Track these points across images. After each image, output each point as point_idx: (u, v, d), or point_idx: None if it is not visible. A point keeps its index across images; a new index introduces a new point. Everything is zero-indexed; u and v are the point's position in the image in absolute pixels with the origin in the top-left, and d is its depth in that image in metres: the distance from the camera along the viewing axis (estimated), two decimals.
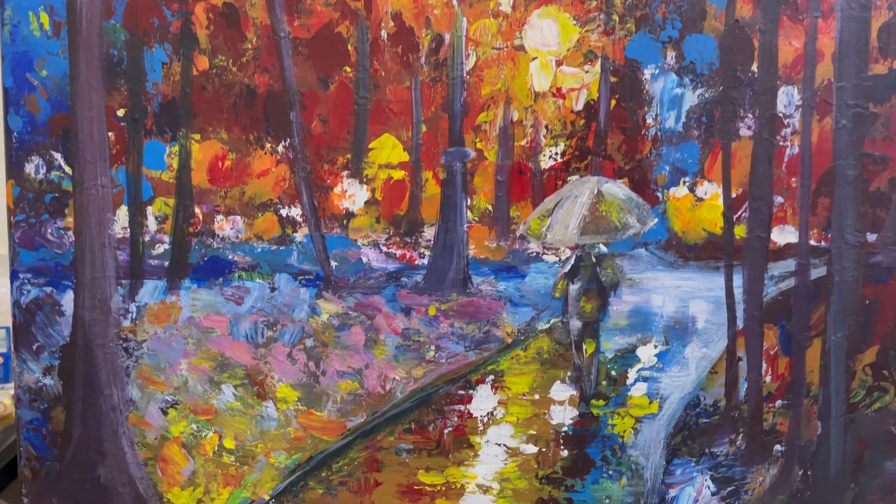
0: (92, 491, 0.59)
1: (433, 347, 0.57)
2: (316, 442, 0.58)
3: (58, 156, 0.56)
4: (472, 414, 0.58)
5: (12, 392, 1.25)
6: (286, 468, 0.59)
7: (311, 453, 0.59)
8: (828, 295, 0.55)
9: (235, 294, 0.57)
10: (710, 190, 0.55)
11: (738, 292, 0.56)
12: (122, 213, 0.56)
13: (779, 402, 0.56)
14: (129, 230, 0.57)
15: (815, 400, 0.56)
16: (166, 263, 0.57)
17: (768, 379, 0.56)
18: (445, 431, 0.58)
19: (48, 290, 0.57)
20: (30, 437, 0.58)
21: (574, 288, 0.56)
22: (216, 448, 0.59)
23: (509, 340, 0.57)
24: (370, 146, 0.55)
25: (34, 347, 0.58)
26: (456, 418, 0.58)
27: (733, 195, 0.55)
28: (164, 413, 0.58)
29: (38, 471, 0.59)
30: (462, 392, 0.58)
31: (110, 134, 0.56)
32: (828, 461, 0.56)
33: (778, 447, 0.57)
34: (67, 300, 0.57)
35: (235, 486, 0.59)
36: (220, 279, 0.57)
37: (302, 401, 0.58)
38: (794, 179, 0.54)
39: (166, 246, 0.57)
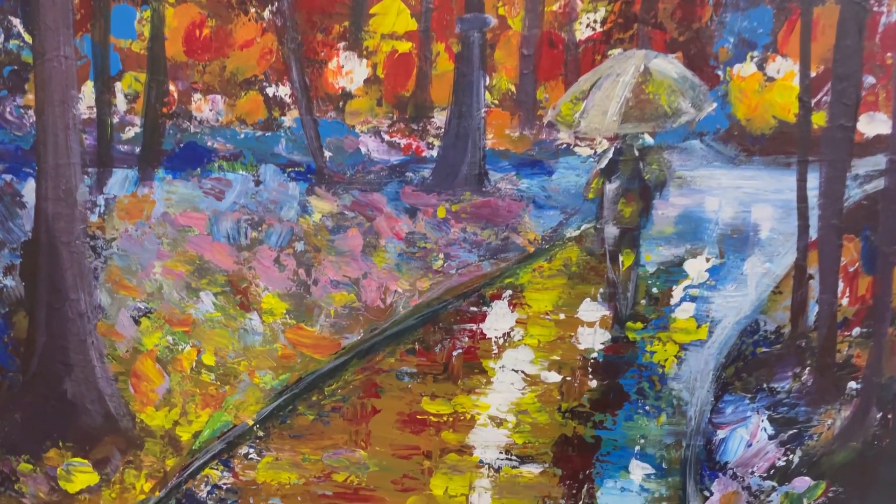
0: (58, 407, 0.53)
1: (442, 256, 0.49)
2: (306, 361, 0.51)
3: (16, 21, 0.49)
4: (485, 335, 0.50)
5: None
6: (272, 390, 0.51)
7: (301, 374, 0.51)
8: None
9: (215, 187, 0.50)
10: (784, 67, 0.45)
11: (813, 195, 0.46)
12: (88, 90, 0.49)
13: (856, 331, 0.47)
14: (95, 110, 0.49)
15: None
16: (137, 150, 0.50)
17: (845, 302, 0.46)
18: (454, 354, 0.50)
19: (7, 177, 0.50)
20: None
21: (611, 188, 0.47)
22: (194, 364, 0.52)
23: (531, 249, 0.49)
24: (371, 11, 0.47)
25: None
26: (467, 339, 0.50)
27: (812, 74, 0.44)
28: (137, 322, 0.51)
29: (0, 383, 0.53)
30: (474, 309, 0.49)
31: None
32: None
33: (853, 384, 0.47)
34: (29, 190, 0.50)
35: (216, 407, 0.52)
36: (198, 169, 0.50)
37: (291, 314, 0.51)
38: (889, 55, 0.44)
39: (137, 129, 0.49)
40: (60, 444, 0.53)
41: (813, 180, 0.46)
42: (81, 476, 0.53)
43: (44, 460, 0.53)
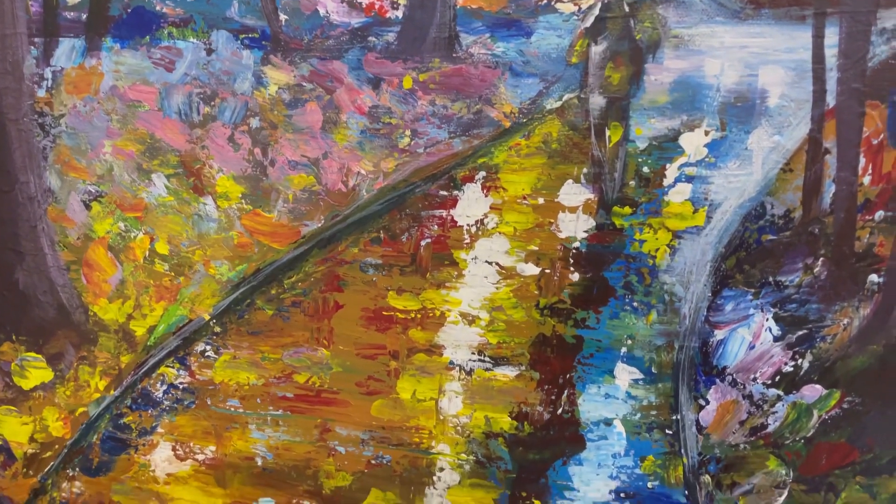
0: (10, 298, 0.50)
1: (408, 133, 0.44)
2: (264, 251, 0.47)
3: None
4: (456, 222, 0.45)
5: None
6: (229, 282, 0.48)
7: (259, 265, 0.47)
8: None
9: (165, 57, 0.46)
10: None
11: (832, 54, 0.39)
12: None
13: (880, 214, 0.40)
14: None
15: None
16: (84, 16, 0.46)
17: (867, 181, 0.40)
18: (422, 244, 0.45)
19: None
20: None
21: (597, 50, 0.41)
22: (147, 253, 0.48)
23: (507, 124, 0.43)
24: None
25: None
26: (436, 227, 0.45)
27: None
28: (87, 207, 0.48)
29: None
30: (444, 193, 0.45)
31: None
32: None
33: (874, 277, 0.41)
34: None
35: (170, 300, 0.48)
36: (147, 38, 0.46)
37: (247, 198, 0.46)
38: None
39: None
40: (14, 337, 0.50)
41: (832, 36, 0.39)
42: (35, 372, 0.51)
43: None
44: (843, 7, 0.39)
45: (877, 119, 0.40)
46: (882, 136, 0.40)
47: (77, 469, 0.52)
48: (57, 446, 0.52)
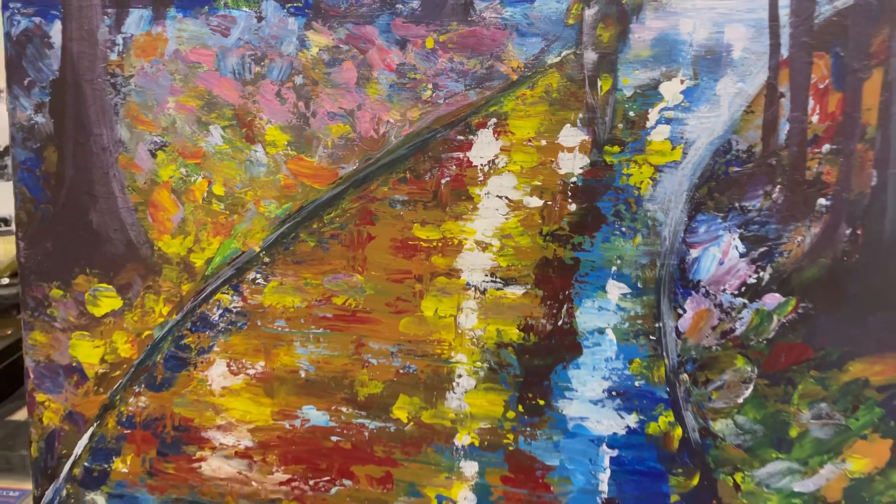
0: (85, 235, 0.58)
1: (430, 86, 0.52)
2: (307, 191, 0.55)
3: None
4: (471, 162, 0.52)
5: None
6: (277, 218, 0.55)
7: (302, 203, 0.55)
8: (894, 15, 0.46)
9: (221, 24, 0.53)
10: None
11: (785, 14, 0.47)
12: None
13: (826, 147, 0.48)
14: None
15: (871, 144, 0.48)
16: None
17: (815, 119, 0.48)
18: (443, 182, 0.53)
19: (37, 20, 0.55)
20: (24, 177, 0.58)
21: (590, 13, 0.49)
22: (205, 194, 0.56)
23: (514, 77, 0.51)
24: None
25: (25, 83, 0.56)
26: (454, 167, 0.53)
27: None
28: (153, 155, 0.56)
29: (33, 214, 0.58)
30: (461, 137, 0.52)
31: None
32: (882, 218, 0.48)
33: (822, 201, 0.49)
34: (56, 31, 0.55)
35: (225, 235, 0.56)
36: (206, 8, 0.53)
37: (292, 145, 0.54)
38: None
39: None
40: (87, 270, 0.58)
41: None
42: (106, 301, 0.58)
43: (73, 286, 0.58)
44: None
45: (823, 67, 0.48)
46: (827, 81, 0.48)
47: (142, 385, 0.60)
48: (125, 366, 0.60)
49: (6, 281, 1.13)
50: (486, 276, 0.53)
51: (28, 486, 1.17)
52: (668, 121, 0.49)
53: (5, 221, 1.25)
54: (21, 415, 1.33)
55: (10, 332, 1.42)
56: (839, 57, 0.47)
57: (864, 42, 0.47)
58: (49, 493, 0.62)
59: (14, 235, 1.20)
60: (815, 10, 0.47)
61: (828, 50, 0.47)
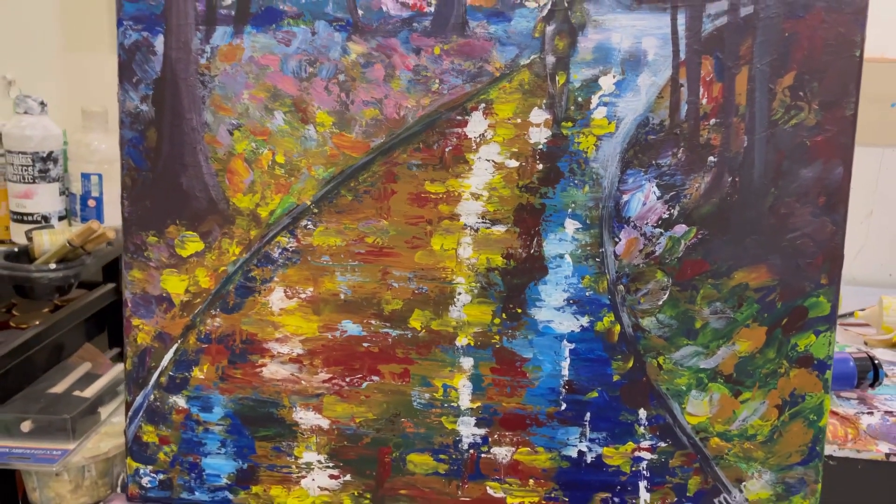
0: (176, 195, 0.77)
1: (437, 80, 0.73)
2: (346, 158, 0.75)
3: None
4: (467, 136, 0.73)
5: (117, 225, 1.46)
6: (323, 179, 0.75)
7: (343, 167, 0.75)
8: (754, 30, 0.68)
9: (285, 37, 0.74)
10: None
11: (682, 30, 0.69)
12: None
13: (713, 121, 0.70)
14: None
15: (743, 118, 0.69)
16: (233, 13, 0.74)
17: (704, 101, 0.69)
18: (446, 150, 0.73)
19: (145, 34, 0.75)
20: (130, 152, 0.77)
21: (550, 29, 0.70)
22: (270, 163, 0.76)
23: (497, 74, 0.72)
24: None
25: (134, 80, 0.76)
26: (454, 139, 0.73)
27: None
28: (231, 134, 0.76)
29: (136, 179, 0.77)
30: (459, 118, 0.73)
31: None
32: (752, 169, 0.69)
33: (711, 158, 0.70)
34: (159, 42, 0.75)
35: (284, 193, 0.76)
36: (274, 25, 0.74)
37: (335, 125, 0.74)
38: None
39: None
40: (177, 222, 0.77)
41: (681, 19, 0.69)
42: (191, 244, 0.77)
43: (165, 234, 0.77)
44: (686, 2, 0.68)
45: (708, 66, 0.69)
46: (711, 75, 0.69)
47: (217, 309, 0.79)
48: (204, 295, 0.79)
49: (53, 266, 1.30)
50: (478, 218, 0.74)
51: (68, 446, 1.35)
52: (605, 104, 0.71)
53: (46, 218, 1.43)
54: (59, 388, 1.49)
55: (38, 322, 1.58)
56: (719, 58, 0.69)
57: (734, 48, 0.68)
58: (139, 399, 0.80)
59: (50, 229, 1.39)
60: (702, 27, 0.68)
61: (711, 54, 0.69)
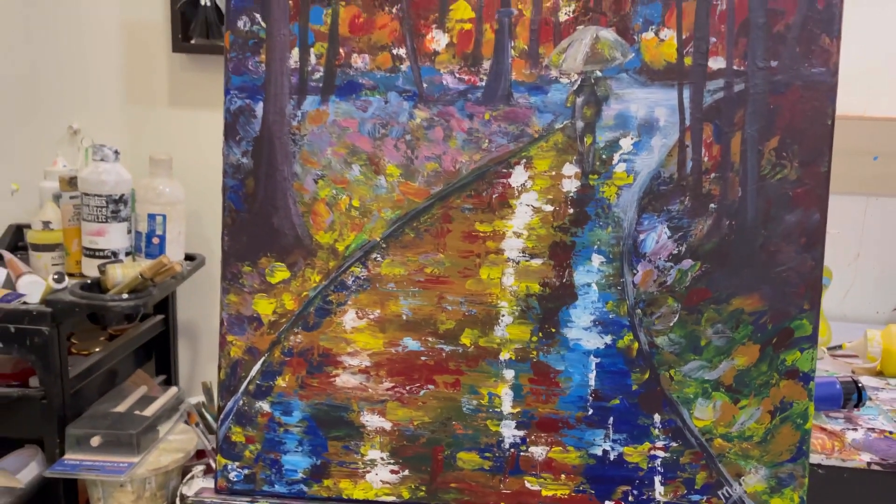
0: (268, 232, 0.92)
1: (487, 140, 0.89)
2: (410, 203, 0.91)
3: (257, 16, 0.90)
4: (511, 185, 0.89)
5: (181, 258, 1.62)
6: (391, 220, 0.91)
7: (407, 210, 0.91)
8: (745, 103, 0.84)
9: (363, 105, 0.90)
10: (669, 34, 0.85)
11: (687, 102, 0.85)
12: (295, 53, 0.90)
13: (713, 175, 0.86)
14: (298, 63, 0.90)
15: (737, 173, 0.85)
16: (321, 85, 0.90)
17: (706, 159, 0.86)
18: (493, 196, 0.89)
19: (247, 101, 0.91)
20: (231, 196, 0.93)
21: (579, 100, 0.87)
22: (347, 206, 0.91)
23: (536, 136, 0.88)
24: (450, 8, 0.88)
25: (237, 138, 0.92)
26: (500, 188, 0.89)
27: (684, 37, 0.85)
28: (315, 182, 0.92)
29: (235, 219, 0.93)
30: (505, 170, 0.89)
31: (290, 2, 0.90)
32: (745, 215, 0.85)
33: (712, 205, 0.86)
34: (259, 108, 0.91)
35: (358, 231, 0.92)
36: (354, 95, 0.90)
37: (402, 175, 0.90)
38: (722, 26, 0.84)
39: (321, 73, 0.90)
40: (268, 254, 0.93)
41: (686, 93, 0.85)
42: (279, 273, 0.93)
43: (258, 264, 0.93)
44: (690, 80, 0.85)
45: (709, 131, 0.85)
46: (711, 138, 0.85)
47: (299, 328, 0.93)
48: (288, 315, 0.94)
49: (125, 296, 1.46)
50: (519, 253, 0.89)
51: (133, 459, 1.49)
52: (625, 161, 0.87)
53: (115, 254, 1.59)
54: (121, 408, 1.64)
55: (97, 349, 1.73)
56: (717, 125, 0.85)
57: (729, 117, 0.85)
58: (230, 404, 0.95)
59: (121, 263, 1.56)
60: (703, 100, 0.85)
61: (711, 121, 0.85)
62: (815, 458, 1.02)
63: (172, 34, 1.75)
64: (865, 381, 1.34)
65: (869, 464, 1.04)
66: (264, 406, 0.94)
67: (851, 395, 1.18)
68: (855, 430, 1.14)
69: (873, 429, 1.14)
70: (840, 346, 1.46)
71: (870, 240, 1.72)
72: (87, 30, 1.81)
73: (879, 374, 1.38)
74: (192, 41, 1.74)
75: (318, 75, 0.90)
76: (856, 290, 1.74)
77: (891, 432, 1.13)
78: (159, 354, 1.92)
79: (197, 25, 1.72)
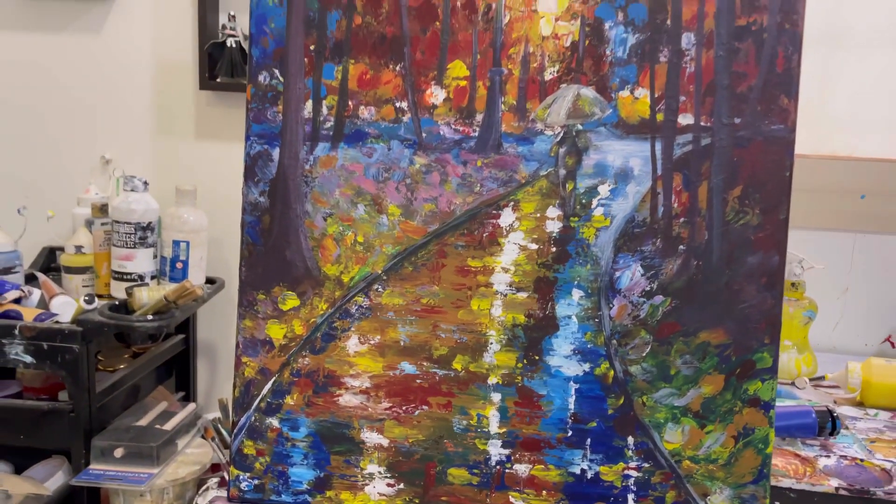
0: (281, 264, 1.02)
1: (479, 185, 0.99)
2: (409, 240, 1.00)
3: (276, 71, 1.01)
4: (500, 225, 0.98)
5: (202, 283, 1.73)
6: (391, 255, 1.01)
7: (406, 246, 1.00)
8: (711, 155, 0.93)
9: (368, 151, 1.00)
10: (643, 93, 0.94)
11: (659, 153, 0.94)
12: (309, 105, 1.01)
13: (682, 220, 0.95)
14: (312, 114, 1.01)
15: (704, 218, 0.94)
16: (331, 133, 1.01)
17: (675, 205, 0.95)
18: (484, 235, 0.99)
19: (265, 147, 1.02)
20: (249, 231, 1.03)
21: (562, 150, 0.97)
22: (352, 242, 1.01)
23: (523, 181, 0.98)
24: (448, 67, 0.98)
25: (255, 180, 1.03)
26: (490, 227, 0.99)
27: (656, 95, 0.94)
28: (325, 220, 1.02)
29: (252, 252, 1.03)
30: (495, 211, 0.99)
31: (305, 59, 1.01)
32: (711, 256, 0.94)
33: (681, 247, 0.95)
34: (276, 153, 1.02)
35: (362, 264, 1.01)
36: (360, 142, 1.01)
37: (402, 215, 1.00)
38: (691, 87, 0.93)
39: (332, 123, 1.01)
40: (281, 284, 1.03)
41: (658, 146, 0.95)
42: (290, 301, 1.03)
43: (271, 293, 1.03)
44: (662, 134, 0.94)
45: (678, 180, 0.94)
46: (680, 186, 0.94)
47: (307, 351, 1.03)
48: (298, 340, 1.03)
49: (150, 317, 1.56)
50: (507, 286, 0.98)
51: (153, 470, 1.59)
52: (602, 205, 0.96)
53: (141, 277, 1.70)
54: (143, 422, 1.74)
55: (122, 366, 1.84)
56: (686, 175, 0.94)
57: (697, 168, 0.94)
58: (243, 419, 1.04)
59: (147, 286, 1.67)
60: (673, 152, 0.94)
61: (680, 171, 0.94)
62: (786, 483, 1.10)
63: (200, 73, 1.87)
64: (845, 410, 1.41)
65: (837, 489, 1.11)
66: (274, 422, 1.03)
67: (826, 424, 1.25)
68: (828, 456, 1.21)
69: (846, 456, 1.21)
70: (823, 377, 1.53)
71: (858, 274, 1.79)
72: (122, 67, 1.94)
73: (860, 404, 1.45)
74: (218, 79, 1.86)
75: (329, 125, 1.01)
76: (845, 323, 1.81)
77: (862, 460, 1.20)
78: (179, 372, 2.03)
79: (223, 65, 1.84)
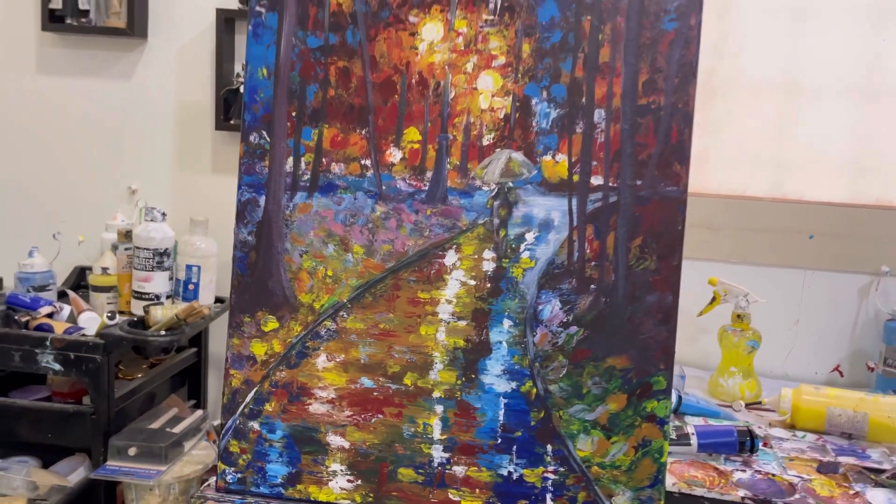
0: (264, 293, 1.23)
1: (428, 230, 1.18)
2: (370, 274, 1.20)
3: (264, 133, 1.22)
4: (445, 264, 1.18)
5: (210, 303, 1.94)
6: (355, 286, 1.20)
7: (368, 279, 1.20)
8: (617, 211, 1.12)
9: (338, 200, 1.21)
10: (562, 157, 1.13)
11: (574, 208, 1.13)
12: (290, 161, 1.22)
13: (593, 263, 1.13)
14: (292, 168, 1.22)
15: (611, 263, 1.12)
16: (308, 184, 1.21)
17: (588, 251, 1.13)
18: (432, 272, 1.18)
19: (254, 195, 1.23)
20: (239, 265, 1.24)
21: (496, 203, 1.16)
22: (323, 275, 1.21)
23: (464, 228, 1.17)
24: (404, 132, 1.18)
25: (244, 222, 1.23)
26: (437, 266, 1.18)
27: (573, 160, 1.13)
28: (301, 256, 1.22)
29: (241, 282, 1.24)
30: (441, 252, 1.18)
31: (288, 124, 1.22)
32: (617, 294, 1.12)
33: (592, 286, 1.13)
34: (262, 200, 1.23)
35: (330, 294, 1.21)
36: (332, 193, 1.21)
37: (365, 253, 1.20)
38: (601, 153, 1.12)
39: (308, 176, 1.21)
40: (263, 309, 1.23)
41: (575, 202, 1.13)
42: (271, 324, 1.23)
43: (255, 316, 1.23)
44: (577, 192, 1.13)
45: (591, 230, 1.13)
46: (592, 236, 1.13)
47: (283, 366, 1.23)
48: (276, 356, 1.23)
49: (163, 333, 1.78)
50: (450, 316, 1.17)
51: (161, 468, 1.80)
52: (529, 249, 1.15)
53: (157, 297, 1.92)
54: (155, 425, 1.96)
55: (139, 375, 2.05)
56: (596, 226, 1.13)
57: (606, 221, 1.12)
58: (230, 422, 1.24)
59: (162, 305, 1.90)
60: (586, 207, 1.13)
61: (592, 223, 1.13)
62: (699, 491, 1.27)
63: (216, 115, 2.10)
64: (776, 432, 1.57)
65: (743, 498, 1.27)
66: (255, 425, 1.23)
67: (745, 442, 1.41)
68: (744, 471, 1.37)
69: (760, 471, 1.37)
70: (760, 402, 1.69)
71: (808, 308, 1.94)
72: (148, 109, 2.19)
73: (791, 426, 1.60)
74: (232, 121, 2.09)
75: (306, 177, 1.21)
76: (796, 353, 1.96)
77: (774, 475, 1.36)
78: (191, 381, 2.25)
79: (236, 108, 2.07)
